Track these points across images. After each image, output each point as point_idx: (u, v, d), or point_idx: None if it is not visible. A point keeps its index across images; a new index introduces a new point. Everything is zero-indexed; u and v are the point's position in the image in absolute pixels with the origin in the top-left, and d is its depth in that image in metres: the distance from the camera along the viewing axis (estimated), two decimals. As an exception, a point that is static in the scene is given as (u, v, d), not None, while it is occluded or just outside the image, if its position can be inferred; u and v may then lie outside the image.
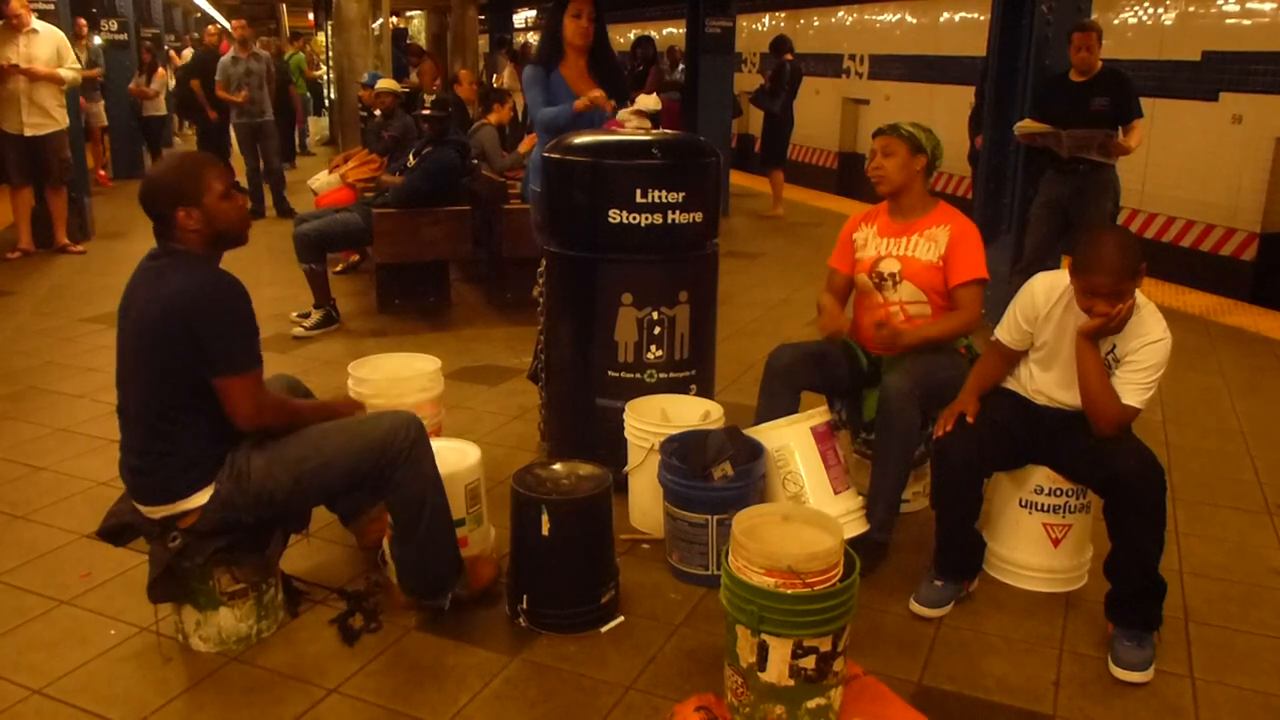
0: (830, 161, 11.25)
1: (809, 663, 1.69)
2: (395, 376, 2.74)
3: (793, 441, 2.36)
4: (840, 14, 11.19)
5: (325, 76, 14.53)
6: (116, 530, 2.03)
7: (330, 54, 12.84)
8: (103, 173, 8.83)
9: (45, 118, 5.60)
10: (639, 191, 2.57)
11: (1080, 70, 4.18)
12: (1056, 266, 4.25)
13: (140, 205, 1.92)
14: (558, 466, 2.24)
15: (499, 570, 2.25)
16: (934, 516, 2.26)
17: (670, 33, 13.41)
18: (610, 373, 2.69)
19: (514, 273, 4.63)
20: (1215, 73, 6.39)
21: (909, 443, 2.37)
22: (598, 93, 3.04)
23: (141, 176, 9.07)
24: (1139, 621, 2.03)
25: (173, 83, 8.87)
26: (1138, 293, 2.06)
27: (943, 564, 2.24)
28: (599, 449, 2.57)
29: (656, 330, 2.67)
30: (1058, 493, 2.26)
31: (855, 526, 2.33)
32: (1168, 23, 6.79)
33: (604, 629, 2.12)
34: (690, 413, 2.63)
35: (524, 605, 2.11)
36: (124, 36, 9.21)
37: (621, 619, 2.16)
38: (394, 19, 13.97)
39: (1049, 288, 2.20)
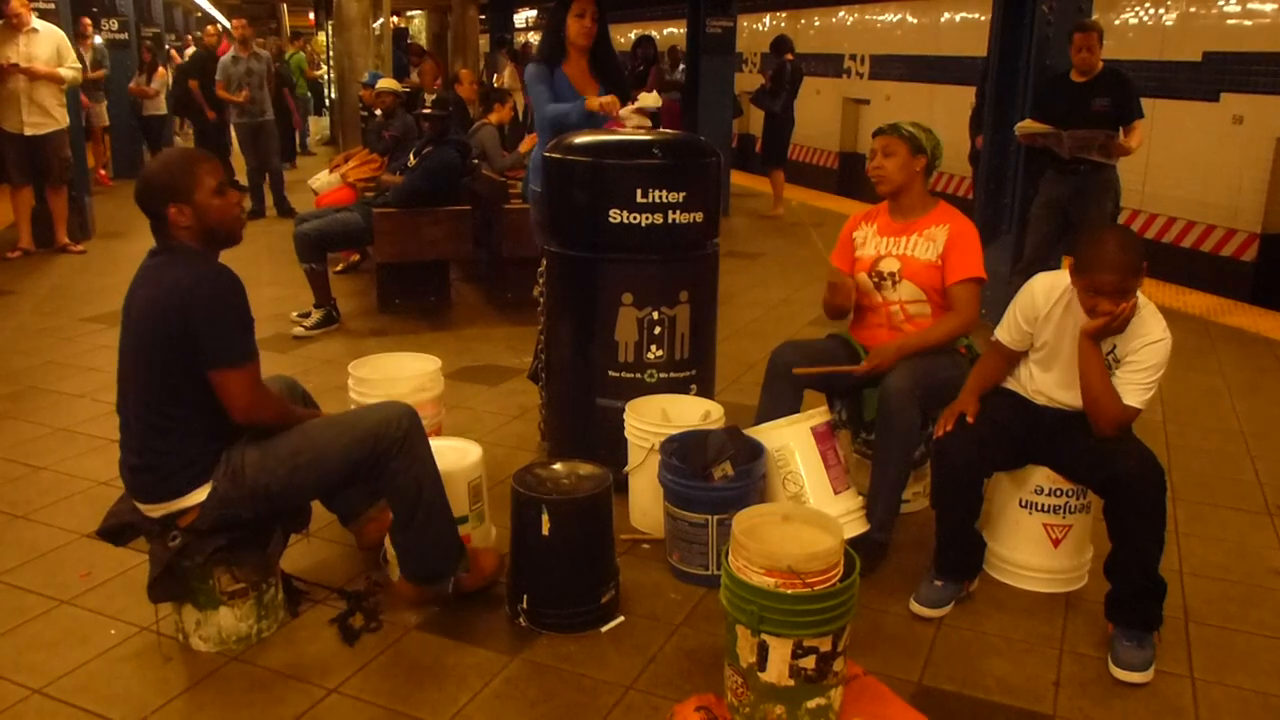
0: (831, 161, 11.26)
1: (809, 663, 1.69)
2: (395, 376, 2.74)
3: (793, 441, 2.36)
4: (841, 14, 11.19)
5: (326, 76, 14.54)
6: (117, 530, 2.03)
7: (331, 54, 12.84)
8: (103, 172, 8.83)
9: (45, 117, 5.60)
10: (639, 191, 2.57)
11: (1081, 70, 4.18)
12: (1057, 267, 4.25)
13: (135, 202, 1.92)
14: (558, 466, 2.24)
15: (502, 561, 2.25)
16: (934, 516, 2.26)
17: (671, 32, 13.41)
18: (610, 372, 2.69)
19: (514, 272, 4.63)
20: (1216, 73, 6.39)
21: (909, 443, 2.37)
22: (609, 98, 3.04)
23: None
24: (1139, 622, 2.03)
25: (170, 83, 8.88)
26: (1138, 293, 2.06)
27: (943, 564, 2.24)
28: (599, 449, 2.57)
29: (657, 330, 2.67)
30: (1058, 493, 2.26)
31: (855, 526, 2.33)
32: (1169, 23, 6.79)
33: (604, 629, 2.12)
34: (690, 413, 2.63)
35: (524, 605, 2.11)
36: (124, 36, 9.22)
37: (622, 619, 2.16)
38: (394, 18, 13.97)
39: (1049, 288, 2.20)
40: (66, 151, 5.79)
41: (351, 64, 8.27)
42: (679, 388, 2.72)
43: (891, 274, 2.51)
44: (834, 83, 11.10)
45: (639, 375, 2.69)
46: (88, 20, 8.41)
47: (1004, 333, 2.28)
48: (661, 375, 2.70)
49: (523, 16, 19.38)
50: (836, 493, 2.36)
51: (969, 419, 2.21)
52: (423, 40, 15.08)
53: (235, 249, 2.00)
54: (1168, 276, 5.61)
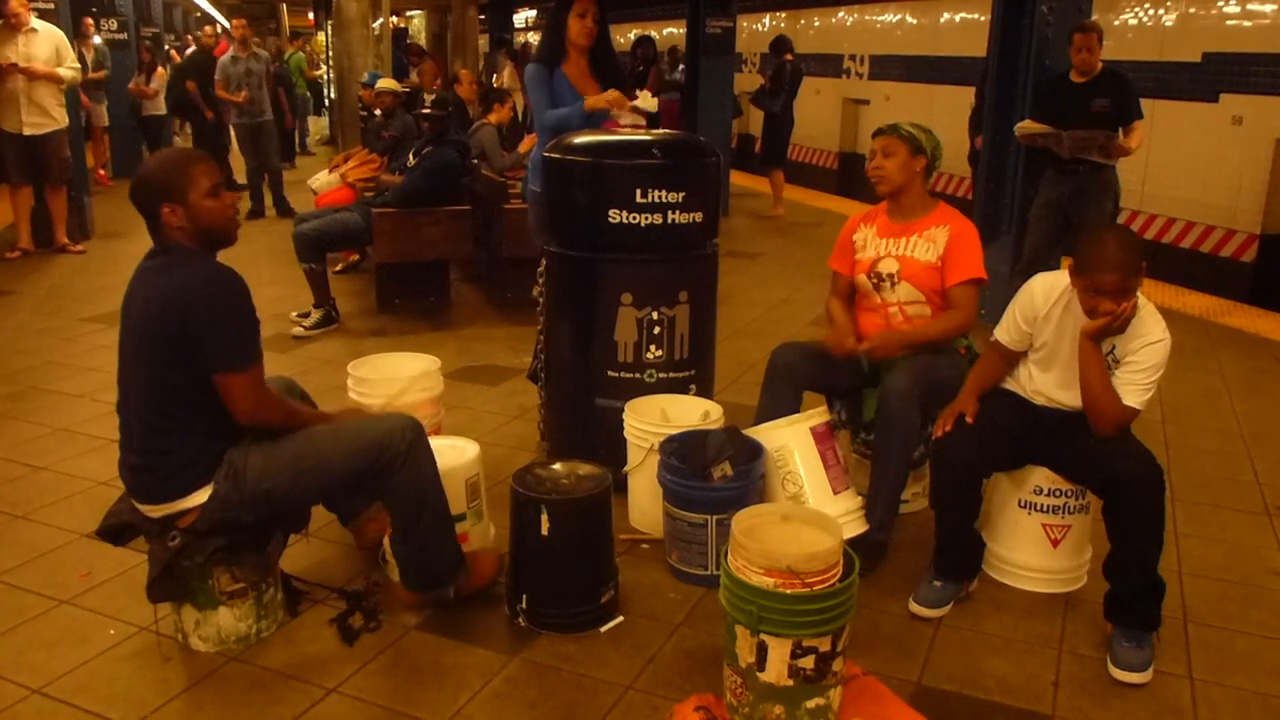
0: (830, 162, 11.26)
1: (808, 663, 1.69)
2: (395, 376, 2.74)
3: (792, 441, 2.36)
4: (840, 14, 11.19)
5: (325, 76, 14.54)
6: (116, 530, 2.03)
7: (330, 53, 12.84)
8: (102, 172, 8.83)
9: (44, 117, 5.60)
10: (639, 191, 2.57)
11: (1081, 71, 4.19)
12: (1056, 267, 4.25)
13: (130, 201, 1.92)
14: (557, 466, 2.24)
15: (501, 564, 2.25)
16: (933, 517, 2.26)
17: (671, 33, 13.41)
18: (610, 372, 2.69)
19: (514, 272, 4.63)
20: (1215, 74, 6.39)
21: (908, 443, 2.37)
22: (613, 94, 3.03)
23: (139, 175, 8.89)
24: (1138, 622, 2.03)
25: (155, 85, 8.87)
26: (1138, 294, 2.07)
27: (942, 564, 2.24)
28: (599, 449, 2.57)
29: (656, 330, 2.67)
30: (1057, 493, 2.26)
31: (854, 526, 2.33)
32: (1168, 24, 6.80)
33: (603, 629, 2.12)
34: (690, 413, 2.63)
35: (524, 605, 2.11)
36: (124, 36, 9.22)
37: (621, 619, 2.16)
38: (394, 19, 13.97)
39: (1048, 288, 2.20)
40: (65, 151, 5.79)
41: (351, 64, 8.28)
42: (678, 388, 2.72)
43: (890, 275, 2.51)
44: (834, 83, 11.10)
45: (638, 375, 2.69)
46: (90, 20, 8.41)
47: (1003, 333, 2.28)
48: (661, 375, 2.70)
49: (522, 16, 19.38)
50: (836, 493, 2.36)
51: (968, 419, 2.21)
52: (422, 40, 15.08)
53: (234, 249, 2.00)
54: (1167, 277, 5.61)
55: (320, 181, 5.94)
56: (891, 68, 10.19)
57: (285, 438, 1.98)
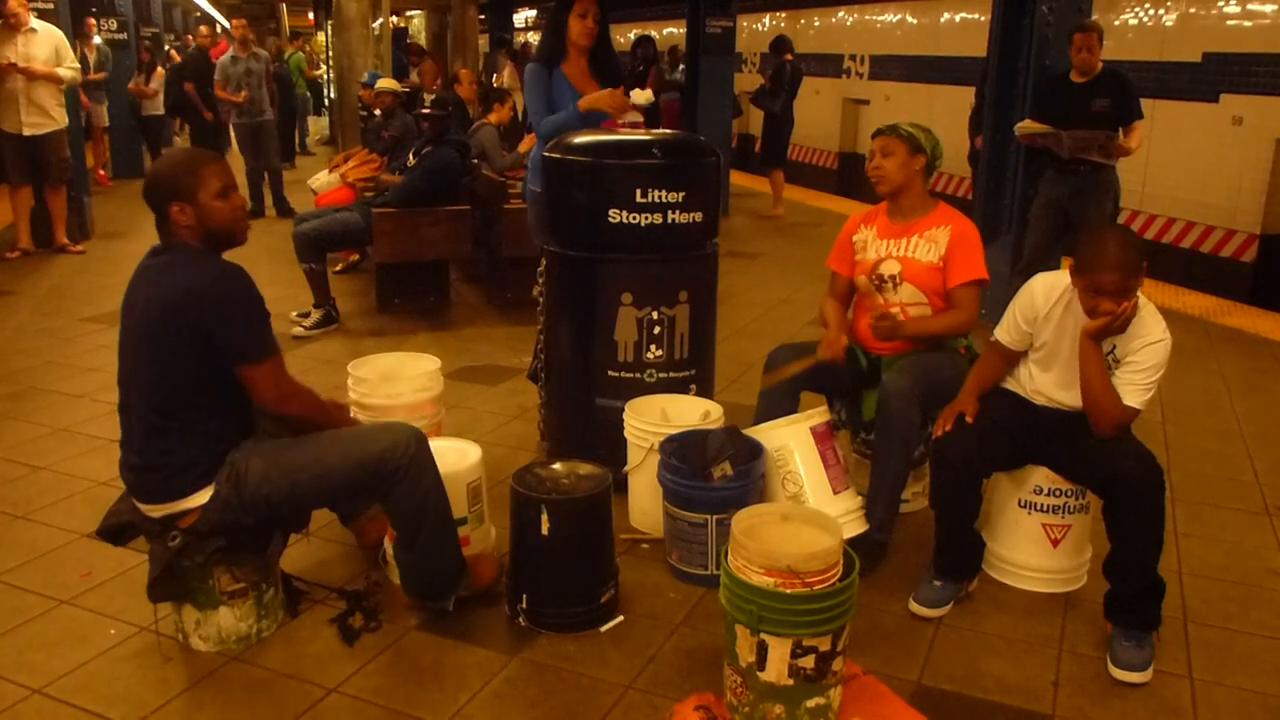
0: (830, 162, 11.26)
1: (808, 662, 1.69)
2: (394, 376, 2.74)
3: (792, 441, 2.36)
4: (840, 14, 11.19)
5: (325, 76, 14.54)
6: (116, 530, 2.03)
7: (330, 53, 12.84)
8: (102, 172, 8.83)
9: (44, 117, 5.60)
10: (639, 191, 2.57)
11: (1081, 71, 4.19)
12: (1056, 267, 4.25)
13: (142, 197, 1.93)
14: (557, 466, 2.24)
15: (501, 569, 2.25)
16: (933, 516, 2.26)
17: (670, 32, 13.41)
18: (610, 372, 2.69)
19: (514, 272, 4.63)
20: (1216, 74, 6.39)
21: (908, 443, 2.37)
22: (608, 94, 3.02)
23: (140, 177, 9.01)
24: (1138, 622, 2.03)
25: (155, 85, 8.87)
26: (1138, 294, 2.07)
27: (942, 564, 2.24)
28: (599, 449, 2.57)
29: (656, 330, 2.67)
30: (1057, 493, 2.26)
31: (854, 526, 2.33)
32: (1168, 24, 6.80)
33: (604, 628, 2.12)
34: (690, 412, 2.63)
35: (524, 605, 2.11)
36: (123, 36, 9.22)
37: (621, 618, 2.16)
38: (394, 18, 13.97)
39: (1048, 288, 2.20)
40: (65, 151, 5.79)
41: (351, 64, 8.28)
42: (678, 387, 2.72)
43: (892, 277, 2.51)
44: (833, 83, 11.10)
45: (638, 375, 2.69)
46: (93, 21, 8.41)
47: (1003, 333, 2.28)
48: (661, 375, 2.70)
49: (522, 16, 19.38)
50: (836, 492, 2.36)
51: (968, 419, 2.21)
52: (422, 40, 15.08)
53: (234, 249, 2.00)
54: (1167, 277, 5.62)
55: (320, 181, 5.94)
56: (891, 68, 10.19)
57: (287, 444, 1.98)
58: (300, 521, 2.14)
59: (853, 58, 10.88)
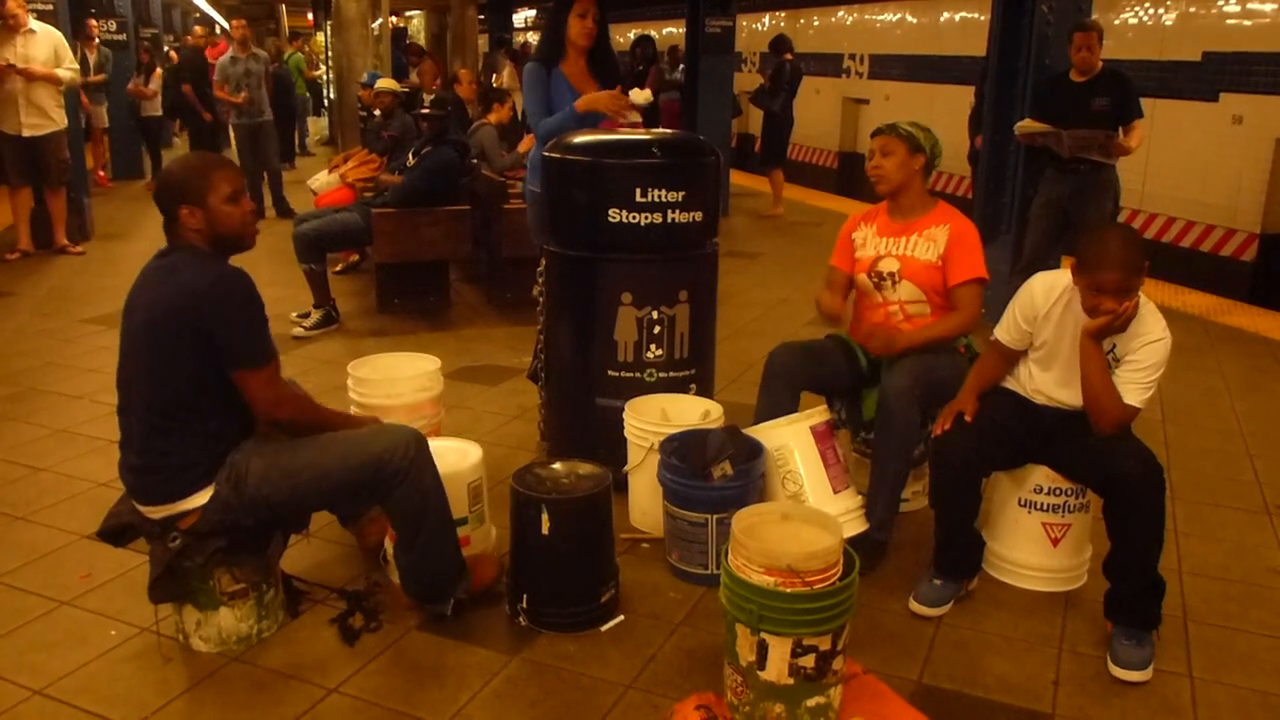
0: (830, 161, 11.26)
1: (808, 661, 1.69)
2: (395, 376, 2.74)
3: (792, 441, 2.36)
4: (840, 14, 11.19)
5: (325, 76, 14.53)
6: (117, 531, 2.03)
7: (329, 54, 12.84)
8: (102, 173, 8.82)
9: (43, 118, 5.60)
10: (639, 191, 2.58)
11: (1081, 70, 4.18)
12: (1056, 266, 4.25)
13: (153, 200, 1.94)
14: (557, 466, 2.24)
15: (501, 569, 2.25)
16: (933, 515, 2.26)
17: (670, 32, 13.41)
18: (610, 372, 2.69)
19: (514, 272, 4.63)
20: (1216, 73, 6.39)
21: (908, 442, 2.37)
22: (606, 95, 3.02)
23: (140, 177, 8.99)
24: (1138, 621, 2.03)
25: (154, 86, 8.88)
26: (1139, 293, 2.07)
27: (942, 563, 2.24)
28: (599, 448, 2.57)
29: (656, 329, 2.67)
30: (1057, 492, 2.26)
31: (854, 525, 2.33)
32: (1168, 23, 6.80)
33: (604, 628, 2.12)
34: (690, 412, 2.63)
35: (524, 604, 2.11)
36: (123, 37, 9.22)
37: (621, 618, 2.16)
38: (393, 19, 13.96)
39: (1048, 287, 2.20)
40: (64, 153, 5.79)
41: (350, 64, 8.27)
42: (678, 387, 2.72)
43: (891, 274, 2.51)
44: (833, 82, 11.10)
45: (638, 375, 2.69)
46: (94, 22, 8.41)
47: (1003, 332, 2.28)
48: (661, 375, 2.70)
49: (522, 16, 19.38)
50: (836, 492, 2.36)
51: (967, 418, 2.22)
52: (421, 40, 15.08)
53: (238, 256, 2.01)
54: (1167, 276, 5.61)
55: (320, 182, 5.94)
56: (891, 67, 10.19)
57: (287, 445, 1.98)
58: (300, 522, 2.14)
59: (852, 57, 10.88)
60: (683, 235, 2.65)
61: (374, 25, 9.77)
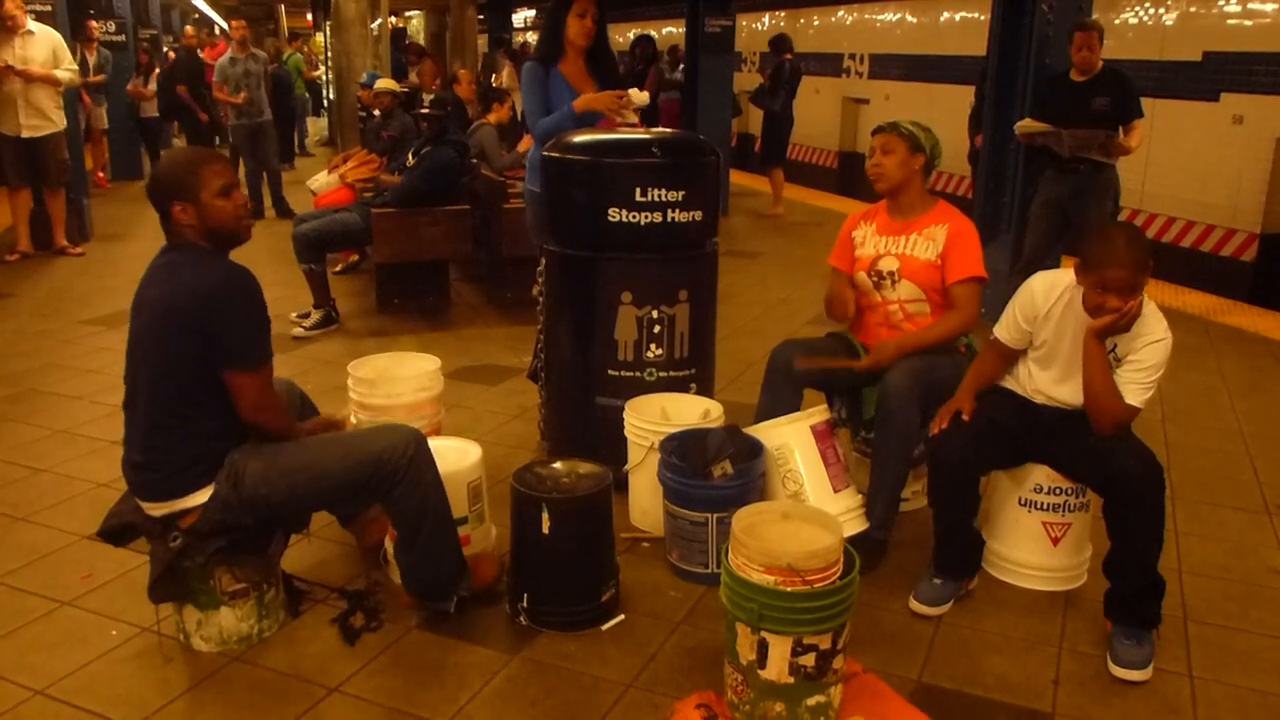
0: (830, 161, 11.26)
1: (809, 660, 1.69)
2: (395, 376, 2.74)
3: (792, 440, 2.36)
4: (840, 13, 11.19)
5: (324, 77, 14.53)
6: (117, 531, 2.04)
7: (329, 54, 12.84)
8: (101, 174, 8.82)
9: (42, 119, 5.60)
10: (639, 190, 2.58)
11: (1081, 70, 4.18)
12: (1056, 266, 4.25)
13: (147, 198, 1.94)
14: (558, 465, 2.24)
15: (502, 568, 2.26)
16: (932, 515, 2.26)
17: (670, 32, 13.41)
18: (610, 371, 2.69)
19: (513, 272, 4.63)
20: (1216, 73, 6.39)
21: (908, 441, 2.37)
22: (606, 96, 3.02)
23: (139, 178, 8.98)
24: (1138, 620, 2.03)
25: (153, 87, 8.88)
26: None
27: (942, 562, 2.24)
28: (599, 448, 2.57)
29: (656, 329, 2.67)
30: (1057, 491, 2.26)
31: (855, 524, 2.33)
32: (1169, 23, 6.80)
33: (604, 627, 2.12)
34: (690, 411, 2.63)
35: (524, 603, 2.11)
36: (122, 38, 9.22)
37: (622, 617, 2.16)
38: (393, 19, 13.97)
39: (1049, 286, 2.20)
40: (64, 154, 5.79)
41: (350, 64, 8.26)
42: (678, 386, 2.72)
43: (890, 273, 2.52)
44: (833, 82, 11.10)
45: (638, 374, 2.69)
46: (94, 24, 8.42)
47: (1003, 331, 2.28)
48: (661, 374, 2.70)
49: (521, 16, 19.38)
50: (836, 491, 2.36)
51: (964, 417, 2.22)
52: (421, 40, 15.08)
53: (235, 249, 2.01)
54: (1167, 276, 5.61)
55: (319, 182, 5.93)
56: (891, 67, 10.19)
57: (287, 446, 1.98)
58: (301, 522, 2.15)
59: (852, 57, 10.88)
60: (683, 234, 2.65)
61: (373, 25, 9.77)
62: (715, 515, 2.26)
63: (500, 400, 3.58)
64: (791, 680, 1.70)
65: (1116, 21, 7.05)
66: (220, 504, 1.92)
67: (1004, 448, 2.23)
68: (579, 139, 2.73)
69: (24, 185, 5.71)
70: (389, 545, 2.22)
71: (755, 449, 2.36)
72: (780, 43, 7.62)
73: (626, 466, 2.57)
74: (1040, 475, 2.27)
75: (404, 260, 4.72)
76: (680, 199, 2.61)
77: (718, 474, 2.29)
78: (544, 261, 2.85)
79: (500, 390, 3.69)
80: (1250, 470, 3.07)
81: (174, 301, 1.86)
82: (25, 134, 5.56)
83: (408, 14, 17.36)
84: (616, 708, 1.87)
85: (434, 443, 2.16)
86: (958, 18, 9.21)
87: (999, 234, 4.77)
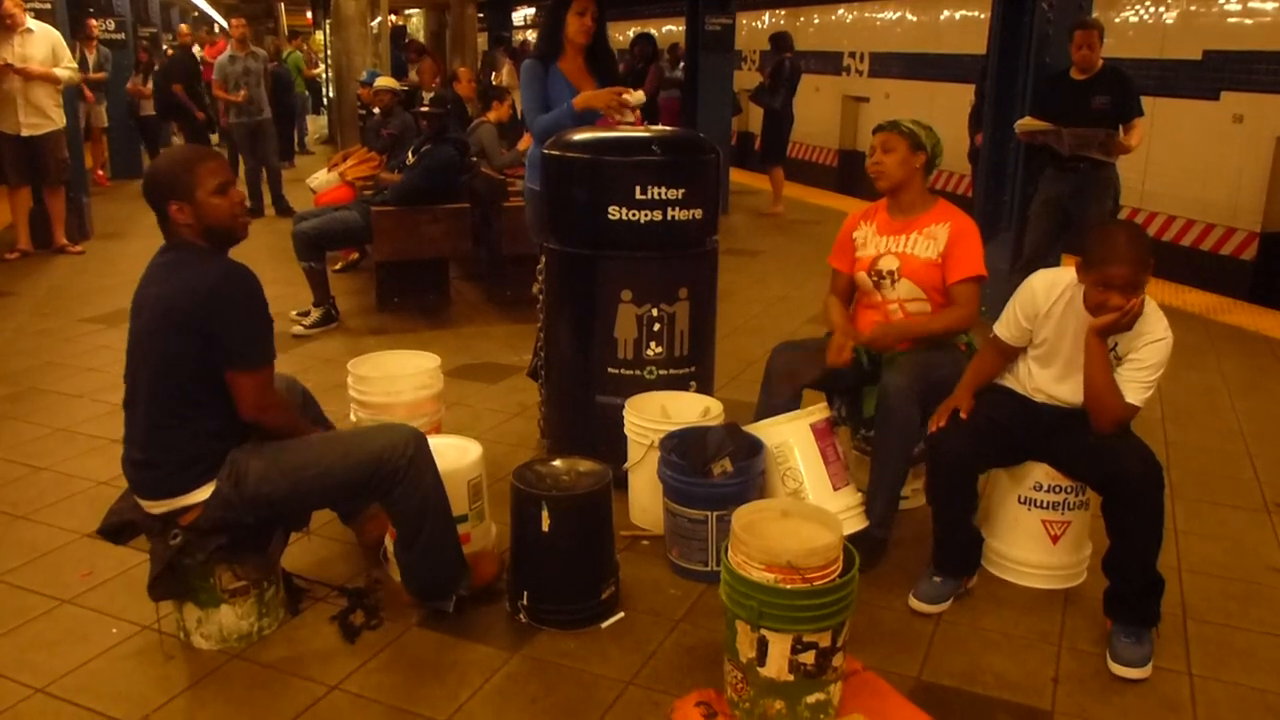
0: (830, 159, 11.26)
1: (808, 658, 1.69)
2: (395, 374, 2.74)
3: (792, 438, 2.37)
4: (840, 11, 11.18)
5: (324, 75, 14.53)
6: (117, 528, 2.04)
7: (329, 52, 12.83)
8: (101, 173, 8.82)
9: (42, 118, 5.60)
10: (639, 188, 2.58)
11: (1081, 68, 4.18)
12: (1056, 265, 4.25)
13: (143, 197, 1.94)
14: (558, 463, 2.25)
15: (502, 566, 2.26)
16: (931, 513, 2.27)
17: (670, 30, 13.40)
18: (610, 369, 2.69)
19: (513, 270, 4.63)
20: (1216, 71, 6.39)
21: (908, 439, 2.37)
22: (606, 93, 3.02)
23: (138, 177, 8.97)
24: (1137, 618, 2.03)
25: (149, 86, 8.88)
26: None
27: (941, 560, 2.25)
28: (599, 446, 2.57)
29: (656, 327, 2.67)
30: (1056, 490, 2.26)
31: (854, 522, 2.33)
32: (1169, 21, 6.79)
33: (604, 625, 2.13)
34: (690, 409, 2.64)
35: (524, 601, 2.11)
36: (121, 36, 9.22)
37: (622, 615, 2.16)
38: (392, 17, 13.96)
39: (1049, 285, 2.20)
40: (63, 152, 5.79)
41: (349, 62, 8.26)
42: (678, 384, 2.72)
43: (890, 272, 2.52)
44: (833, 80, 11.09)
45: (638, 372, 2.69)
46: (94, 22, 8.41)
47: (1003, 329, 2.28)
48: (661, 372, 2.70)
49: (521, 14, 19.37)
50: (836, 489, 2.36)
51: (962, 415, 2.22)
52: (421, 38, 15.07)
53: (234, 248, 2.00)
54: (1167, 275, 5.61)
55: (319, 180, 5.93)
56: (891, 65, 10.18)
57: (287, 444, 1.98)
58: (301, 520, 2.15)
59: (852, 55, 10.87)
60: (683, 233, 2.65)
61: (373, 23, 9.76)
62: (715, 513, 2.26)
63: (500, 398, 3.58)
64: (791, 678, 1.70)
65: (1116, 20, 7.04)
66: (221, 502, 1.92)
67: (1003, 446, 2.23)
68: (579, 137, 2.73)
69: (24, 183, 5.71)
70: (389, 543, 2.23)
71: (755, 447, 2.36)
72: (781, 40, 7.62)
73: (626, 464, 2.57)
74: (1040, 473, 2.27)
75: (404, 258, 4.72)
76: (680, 197, 2.61)
77: (717, 472, 2.29)
78: (544, 259, 2.85)
79: (500, 388, 3.70)
80: (1250, 469, 3.07)
81: (173, 301, 1.86)
82: (25, 132, 5.55)
83: (407, 12, 17.35)
84: (616, 705, 1.87)
85: (434, 440, 2.16)
86: (958, 16, 9.20)
87: (999, 232, 4.77)
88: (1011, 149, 4.71)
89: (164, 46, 13.51)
